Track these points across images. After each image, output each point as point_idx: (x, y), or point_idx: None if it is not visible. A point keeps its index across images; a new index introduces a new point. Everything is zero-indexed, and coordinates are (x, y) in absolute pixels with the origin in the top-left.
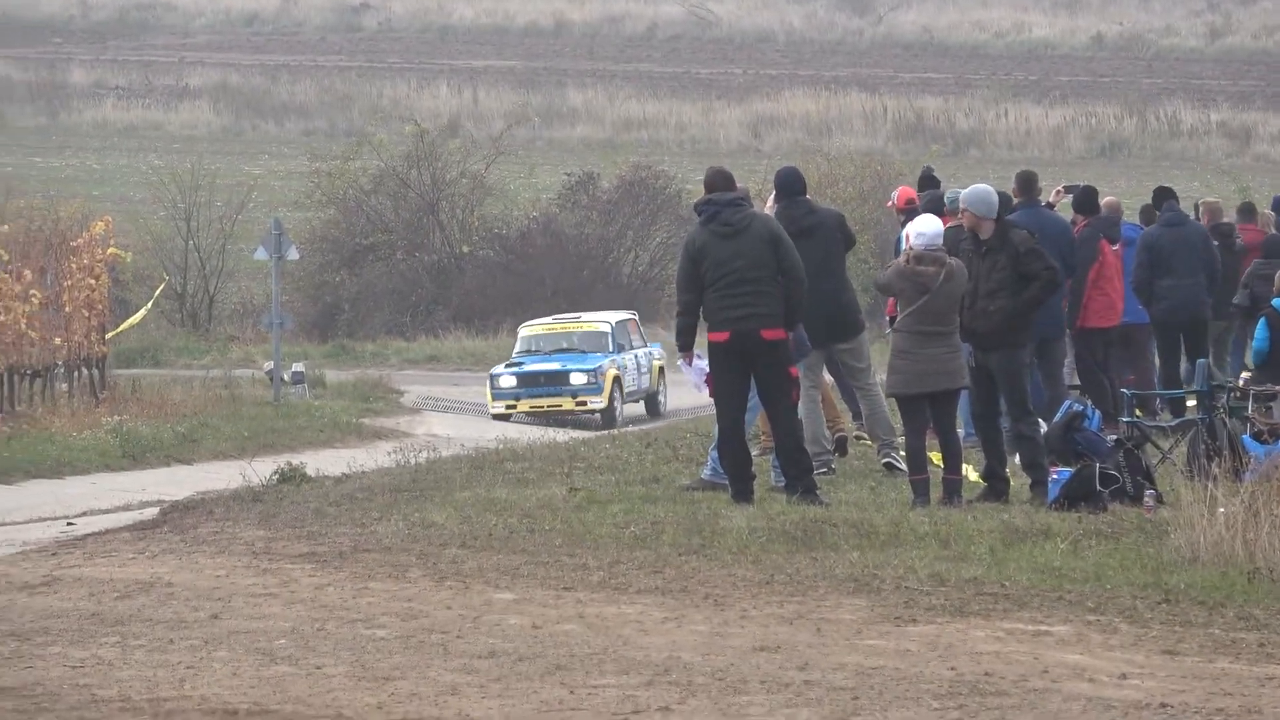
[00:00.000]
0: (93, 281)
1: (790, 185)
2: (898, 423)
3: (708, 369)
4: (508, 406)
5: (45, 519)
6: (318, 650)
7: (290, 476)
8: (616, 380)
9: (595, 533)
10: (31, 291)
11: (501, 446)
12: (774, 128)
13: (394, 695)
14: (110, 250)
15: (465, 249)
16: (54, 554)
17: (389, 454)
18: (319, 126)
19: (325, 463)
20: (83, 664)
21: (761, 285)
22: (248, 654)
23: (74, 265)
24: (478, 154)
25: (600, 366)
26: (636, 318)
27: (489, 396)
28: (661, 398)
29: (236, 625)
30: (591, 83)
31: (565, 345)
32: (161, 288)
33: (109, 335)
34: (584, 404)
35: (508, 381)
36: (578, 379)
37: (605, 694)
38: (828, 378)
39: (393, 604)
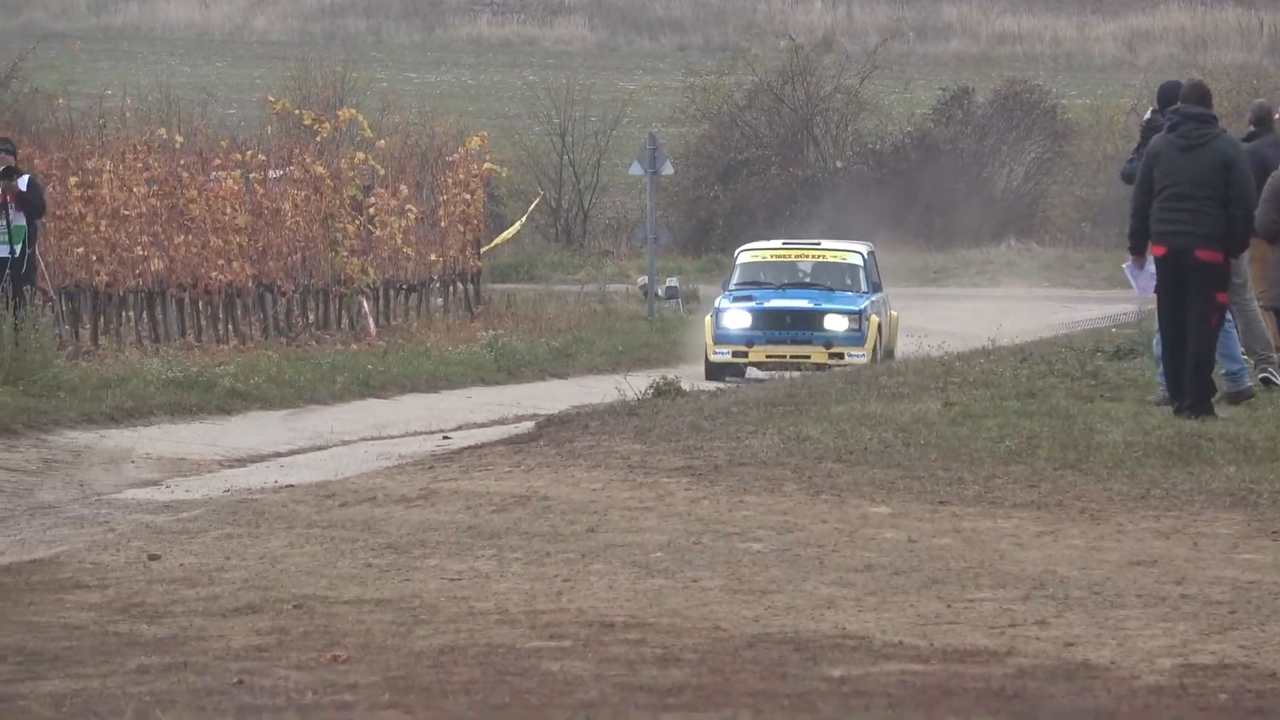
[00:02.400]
0: (468, 197)
1: (1184, 98)
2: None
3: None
4: (735, 354)
5: (421, 433)
6: (694, 563)
7: (665, 391)
8: (879, 329)
9: (970, 447)
10: (408, 207)
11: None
12: (1149, 42)
13: (770, 608)
14: (485, 165)
15: (839, 164)
16: (430, 467)
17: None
18: (693, 41)
19: (699, 377)
20: (460, 576)
21: (1202, 204)
22: (624, 567)
23: (449, 180)
24: (852, 69)
25: (864, 309)
26: (874, 249)
27: (709, 339)
28: (896, 354)
29: (612, 538)
30: None
31: (804, 278)
32: (536, 203)
33: (484, 250)
34: (840, 356)
35: (738, 320)
36: (835, 323)
37: (981, 608)
38: None
39: (768, 517)
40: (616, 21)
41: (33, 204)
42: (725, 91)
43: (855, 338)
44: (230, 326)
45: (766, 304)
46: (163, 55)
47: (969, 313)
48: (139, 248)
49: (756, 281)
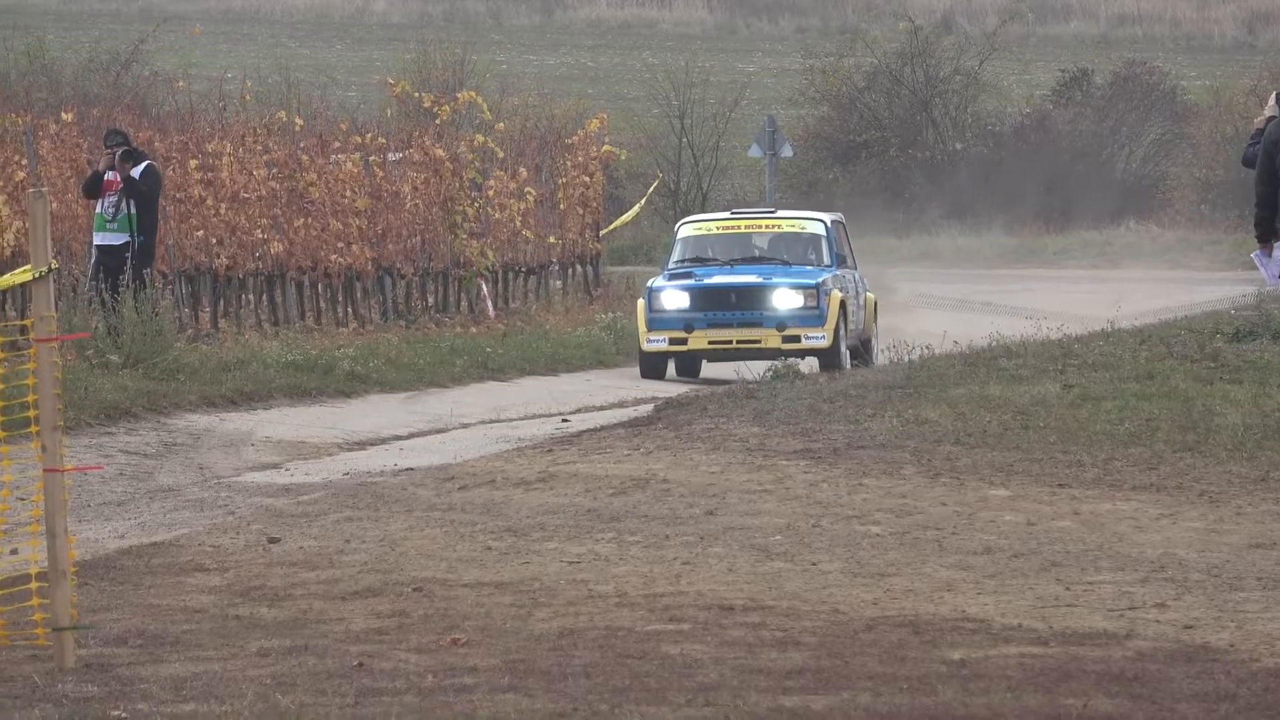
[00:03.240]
0: (587, 179)
1: None
2: None
3: None
4: (673, 340)
5: (540, 415)
6: (813, 546)
7: (784, 373)
8: (842, 308)
9: (1089, 430)
10: (527, 189)
11: (995, 343)
12: (1269, 24)
13: (889, 591)
14: (605, 148)
15: (958, 145)
16: (549, 450)
17: (882, 351)
18: (812, 23)
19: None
20: (579, 559)
21: None
22: (743, 550)
23: (569, 163)
24: (971, 50)
25: (823, 283)
26: (844, 222)
27: (641, 324)
28: (875, 345)
29: (731, 521)
30: None
31: (757, 253)
32: (655, 185)
33: (603, 232)
34: (795, 340)
35: (675, 300)
36: (787, 300)
37: (1100, 590)
38: None
39: (887, 500)
40: (735, 3)
41: (140, 193)
42: (844, 73)
43: (812, 316)
44: (349, 309)
45: (707, 281)
46: (282, 38)
47: (1088, 294)
48: (259, 231)
49: (700, 258)
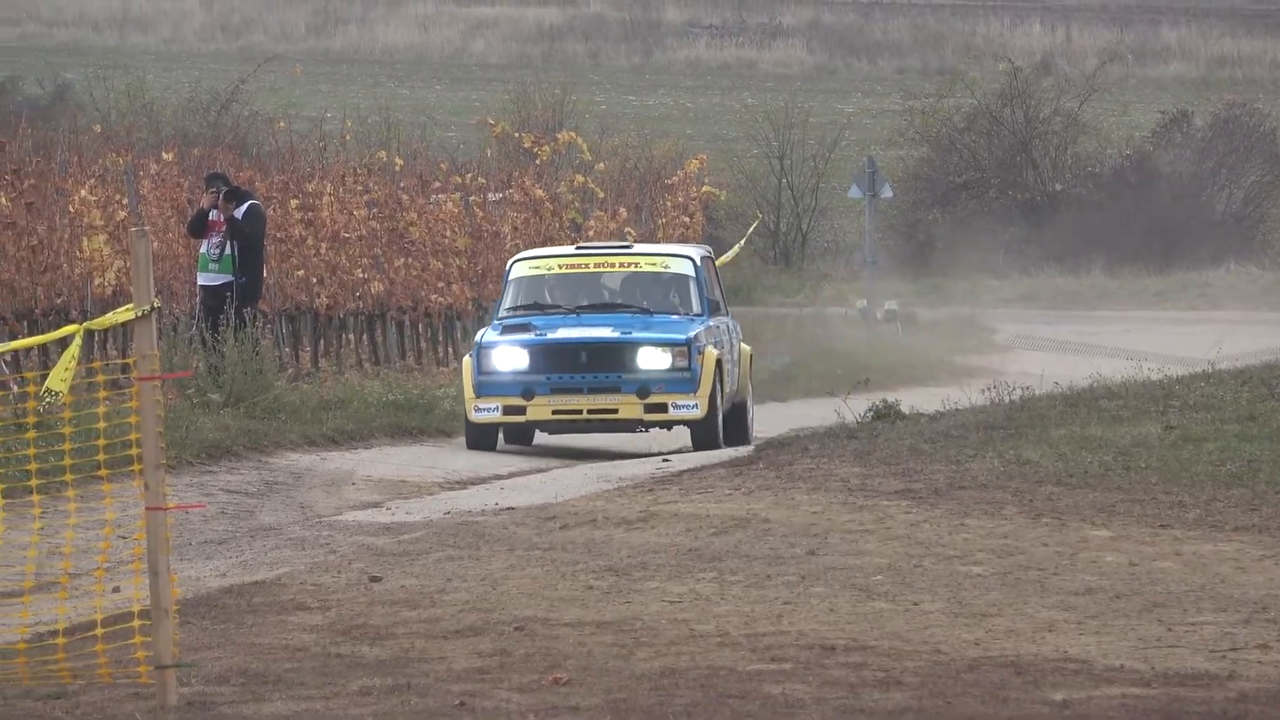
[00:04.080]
0: (687, 219)
1: None
2: None
3: None
4: (508, 409)
5: (641, 455)
6: (914, 586)
7: (885, 414)
8: (718, 368)
9: (1191, 470)
10: (627, 229)
11: (1096, 384)
12: None
13: (991, 632)
14: (704, 188)
15: (1058, 187)
16: (650, 490)
17: (982, 392)
18: (912, 64)
19: (918, 400)
20: (680, 599)
21: None
22: (844, 590)
23: (668, 203)
24: (1071, 92)
25: (695, 338)
26: (713, 257)
27: (468, 389)
28: (750, 411)
29: (833, 561)
30: (1185, 20)
31: (608, 297)
32: (755, 225)
33: None
34: (661, 409)
35: (510, 359)
36: (652, 360)
37: (1203, 631)
38: None
39: (989, 541)
40: (834, 44)
41: (243, 233)
42: (944, 114)
43: (682, 380)
44: (450, 349)
45: (552, 335)
46: (381, 78)
47: (1188, 335)
48: (359, 270)
49: (539, 304)
